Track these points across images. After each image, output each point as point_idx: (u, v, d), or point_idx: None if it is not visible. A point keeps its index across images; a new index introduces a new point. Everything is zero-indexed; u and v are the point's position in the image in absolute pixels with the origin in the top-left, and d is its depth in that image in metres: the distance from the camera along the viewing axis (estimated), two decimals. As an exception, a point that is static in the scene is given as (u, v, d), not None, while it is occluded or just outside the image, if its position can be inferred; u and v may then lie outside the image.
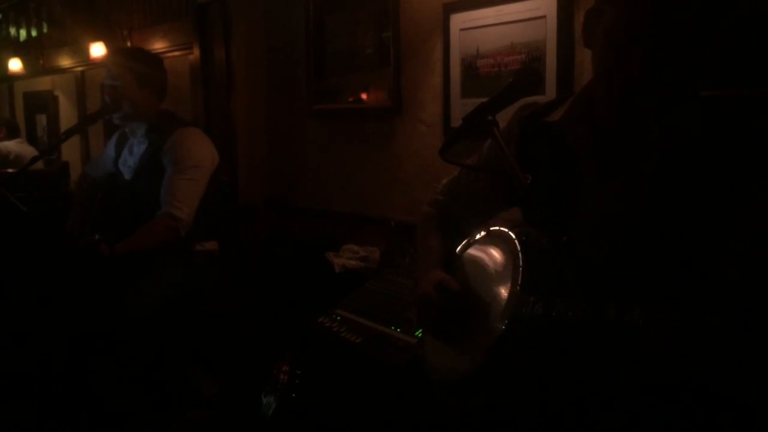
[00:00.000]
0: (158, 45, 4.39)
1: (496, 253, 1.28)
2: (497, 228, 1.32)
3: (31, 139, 6.36)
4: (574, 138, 1.25)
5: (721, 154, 1.07)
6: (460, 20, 2.73)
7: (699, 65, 1.11)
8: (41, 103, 6.49)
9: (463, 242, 1.43)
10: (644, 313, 0.99)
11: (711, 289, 1.04)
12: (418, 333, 2.03)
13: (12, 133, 5.60)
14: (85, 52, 5.06)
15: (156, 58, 2.87)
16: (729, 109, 1.13)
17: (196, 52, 3.99)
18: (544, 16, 2.43)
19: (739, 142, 1.07)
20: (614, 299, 1.02)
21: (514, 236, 1.22)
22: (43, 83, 6.42)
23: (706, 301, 1.02)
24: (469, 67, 2.72)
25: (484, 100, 1.21)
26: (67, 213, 2.93)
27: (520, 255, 1.17)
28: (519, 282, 1.14)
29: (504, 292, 1.18)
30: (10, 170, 4.68)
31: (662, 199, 1.11)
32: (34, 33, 6.15)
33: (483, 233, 1.37)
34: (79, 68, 5.59)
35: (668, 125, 1.13)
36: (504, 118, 1.27)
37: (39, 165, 4.26)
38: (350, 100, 3.35)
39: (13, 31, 6.45)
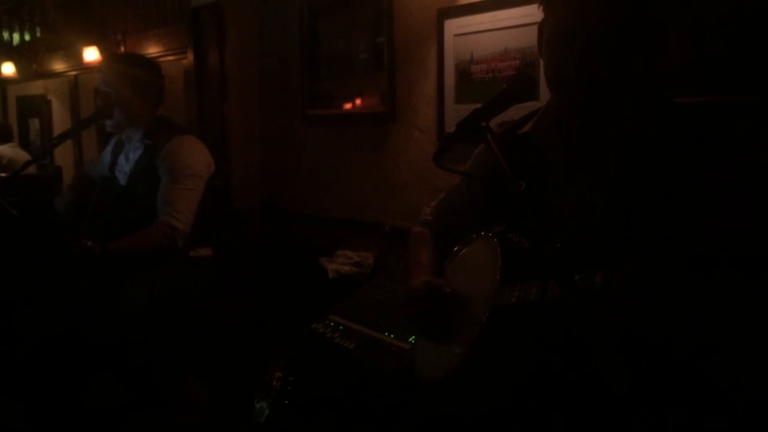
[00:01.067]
0: (152, 49, 4.39)
1: (479, 256, 1.34)
2: (480, 236, 1.38)
3: (24, 144, 6.33)
4: (545, 145, 1.30)
5: (687, 154, 1.11)
6: (454, 26, 2.73)
7: (649, 65, 1.15)
8: (34, 107, 6.47)
9: (451, 254, 1.49)
10: (605, 276, 1.03)
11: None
12: (412, 339, 2.03)
13: (5, 138, 5.58)
14: (79, 56, 5.05)
15: (152, 64, 2.85)
16: (699, 114, 1.17)
17: (190, 57, 3.98)
18: (538, 22, 2.43)
19: (707, 144, 1.11)
20: (579, 273, 1.06)
21: (495, 239, 1.29)
22: (36, 87, 6.40)
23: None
24: (464, 72, 2.73)
25: (478, 105, 1.23)
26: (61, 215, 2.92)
27: (500, 252, 1.24)
28: (498, 276, 1.20)
29: (486, 288, 1.24)
30: (2, 174, 4.66)
31: (627, 195, 1.15)
32: (27, 37, 6.14)
33: (467, 241, 1.44)
34: (73, 73, 5.58)
35: (629, 125, 1.18)
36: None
37: (32, 169, 4.24)
38: (344, 105, 3.35)
39: (6, 35, 6.44)
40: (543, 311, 1.10)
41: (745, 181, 1.07)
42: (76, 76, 5.63)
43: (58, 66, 5.66)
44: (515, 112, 1.33)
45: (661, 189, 1.11)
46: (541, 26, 1.27)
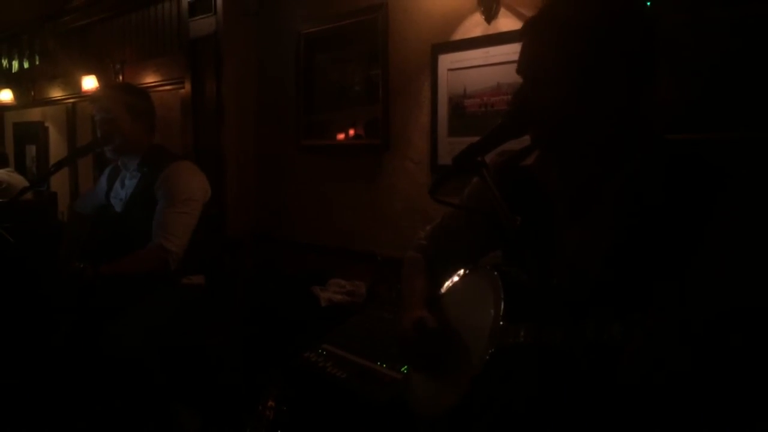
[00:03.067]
0: (150, 79, 4.43)
1: (477, 289, 1.31)
2: (478, 267, 1.36)
3: (20, 169, 6.34)
4: (546, 180, 1.30)
5: (683, 193, 1.11)
6: (448, 61, 2.79)
7: (626, 101, 1.18)
8: (31, 134, 6.50)
9: (446, 283, 1.47)
10: (623, 328, 1.01)
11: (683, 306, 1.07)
12: (404, 369, 2.04)
13: (1, 163, 5.59)
14: (77, 84, 5.10)
15: (144, 92, 2.93)
16: (692, 149, 1.18)
17: (187, 87, 4.03)
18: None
19: (699, 178, 1.12)
20: (592, 322, 1.04)
21: (495, 271, 1.25)
22: (34, 114, 6.43)
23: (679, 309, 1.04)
24: (457, 106, 2.78)
25: (471, 138, 1.26)
26: (55, 243, 2.93)
27: (501, 288, 1.20)
28: (501, 313, 1.17)
29: (486, 324, 1.20)
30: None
31: (631, 234, 1.14)
32: (26, 65, 6.21)
33: (464, 272, 1.42)
34: (71, 100, 5.62)
35: (633, 165, 1.18)
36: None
37: (28, 195, 4.25)
38: (339, 135, 3.39)
39: (5, 62, 6.50)
40: (548, 355, 1.10)
41: (749, 229, 1.08)
42: (73, 104, 5.66)
43: (56, 93, 5.70)
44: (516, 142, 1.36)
45: (666, 231, 1.11)
46: None
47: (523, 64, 1.23)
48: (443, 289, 1.47)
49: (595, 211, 1.22)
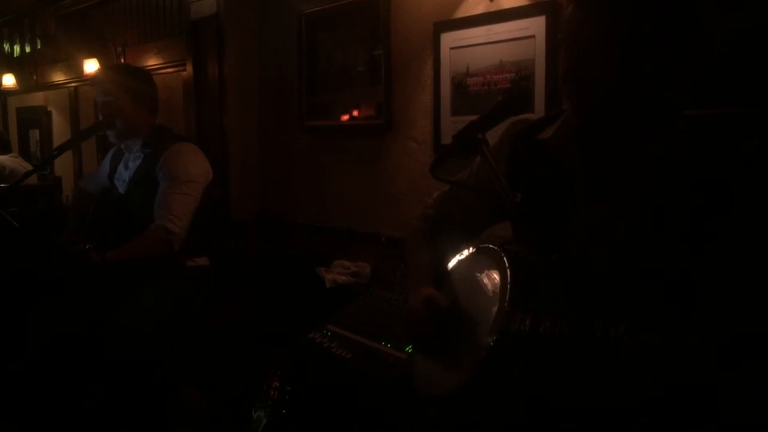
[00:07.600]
0: (152, 61, 4.42)
1: (485, 270, 1.29)
2: (486, 245, 1.33)
3: (24, 154, 6.35)
4: (565, 156, 1.27)
5: (705, 172, 1.09)
6: (450, 39, 2.77)
7: (661, 76, 1.15)
8: (34, 119, 6.49)
9: (453, 258, 1.44)
10: (630, 329, 1.00)
11: (693, 308, 1.06)
12: (408, 349, 2.05)
13: (3, 148, 5.59)
14: (79, 68, 5.09)
15: (146, 73, 2.90)
16: (714, 129, 1.16)
17: (189, 69, 4.01)
18: (533, 36, 2.47)
19: (721, 161, 1.09)
20: (600, 316, 1.03)
21: (503, 253, 1.22)
22: (37, 99, 6.42)
23: (687, 321, 1.03)
24: (459, 84, 2.76)
25: (474, 117, 1.24)
26: (60, 226, 2.93)
27: (509, 271, 1.18)
28: (507, 298, 1.14)
29: (493, 308, 1.18)
30: (2, 185, 4.67)
31: (651, 217, 1.12)
32: (28, 49, 6.19)
33: (472, 250, 1.39)
34: (73, 84, 5.61)
35: (656, 144, 1.15)
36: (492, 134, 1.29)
37: (32, 179, 4.25)
38: (342, 116, 3.38)
39: (7, 46, 6.48)
40: (553, 345, 1.09)
41: None
42: (76, 88, 5.66)
43: (59, 77, 5.69)
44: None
45: (686, 215, 1.09)
46: None
47: (583, 28, 1.17)
48: (450, 266, 1.45)
49: (616, 190, 1.19)
